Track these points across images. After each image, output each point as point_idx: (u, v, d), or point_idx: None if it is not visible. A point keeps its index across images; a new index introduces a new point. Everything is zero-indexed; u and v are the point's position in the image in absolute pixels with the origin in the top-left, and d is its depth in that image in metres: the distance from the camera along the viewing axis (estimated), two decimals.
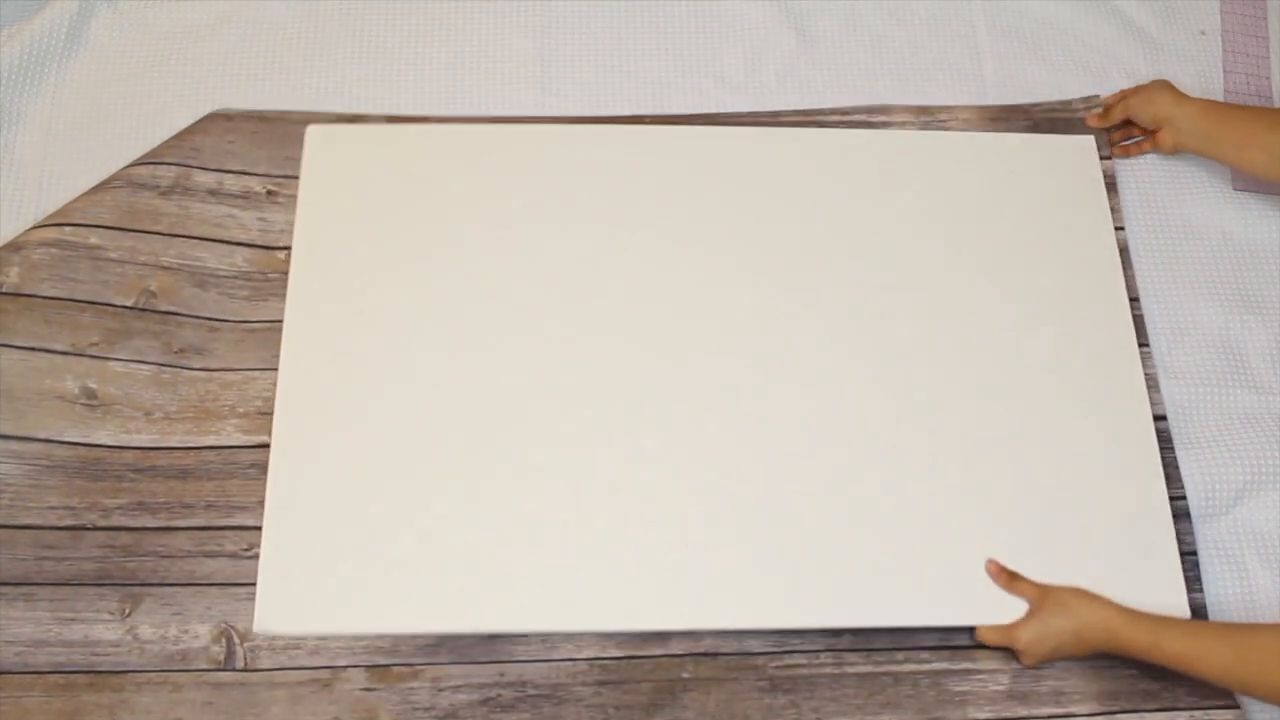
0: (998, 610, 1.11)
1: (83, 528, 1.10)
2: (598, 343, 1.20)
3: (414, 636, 1.09)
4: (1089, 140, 1.34)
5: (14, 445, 1.12)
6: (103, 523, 1.11)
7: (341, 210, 1.25)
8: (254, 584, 1.10)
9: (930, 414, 1.19)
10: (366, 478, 1.13)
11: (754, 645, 1.10)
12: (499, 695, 1.07)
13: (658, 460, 1.16)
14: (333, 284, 1.21)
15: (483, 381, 1.18)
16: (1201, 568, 1.16)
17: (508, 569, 1.11)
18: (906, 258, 1.27)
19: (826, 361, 1.21)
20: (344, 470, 1.13)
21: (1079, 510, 1.16)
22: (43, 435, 1.13)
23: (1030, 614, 1.10)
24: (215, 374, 1.18)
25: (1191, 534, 1.17)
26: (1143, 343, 1.24)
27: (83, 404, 1.15)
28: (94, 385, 1.15)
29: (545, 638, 1.09)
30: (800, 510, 1.14)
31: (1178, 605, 1.12)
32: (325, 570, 1.10)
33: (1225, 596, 1.15)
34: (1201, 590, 1.15)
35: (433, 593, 1.10)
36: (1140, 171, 1.35)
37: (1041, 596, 1.10)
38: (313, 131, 1.29)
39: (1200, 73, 1.41)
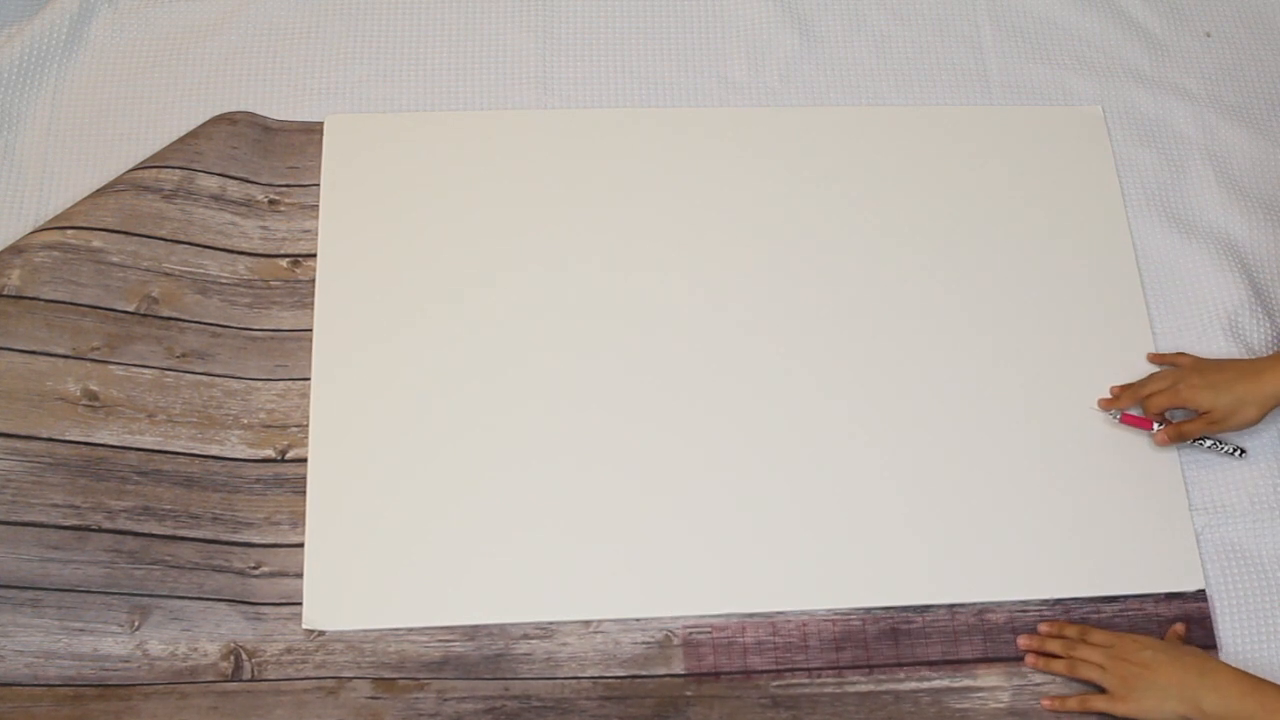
0: (1006, 589, 1.15)
1: (87, 529, 1.11)
2: (622, 334, 1.23)
3: (428, 648, 1.11)
4: (1096, 110, 1.37)
5: (16, 443, 1.12)
6: (108, 525, 1.11)
7: (363, 201, 1.27)
8: (263, 603, 1.11)
9: (939, 398, 1.22)
10: (402, 477, 1.17)
11: (756, 663, 1.11)
12: (504, 706, 1.08)
13: (684, 450, 1.19)
14: (358, 276, 1.24)
15: (511, 376, 1.21)
16: (1206, 568, 1.17)
17: (544, 562, 1.14)
18: (917, 236, 1.29)
19: (835, 344, 1.24)
20: (381, 470, 1.17)
21: (1089, 492, 1.19)
22: (45, 434, 1.13)
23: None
24: (218, 380, 1.18)
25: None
26: None
27: (84, 405, 1.15)
28: (95, 388, 1.16)
29: (550, 655, 1.11)
30: (815, 496, 1.18)
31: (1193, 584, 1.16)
32: (368, 568, 1.14)
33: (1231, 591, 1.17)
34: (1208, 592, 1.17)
35: (473, 586, 1.13)
36: (1142, 172, 1.35)
37: None
38: (331, 121, 1.30)
39: (1205, 75, 1.41)
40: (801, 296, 1.26)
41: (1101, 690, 1.08)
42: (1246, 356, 1.25)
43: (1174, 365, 1.23)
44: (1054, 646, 1.11)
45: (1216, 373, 1.17)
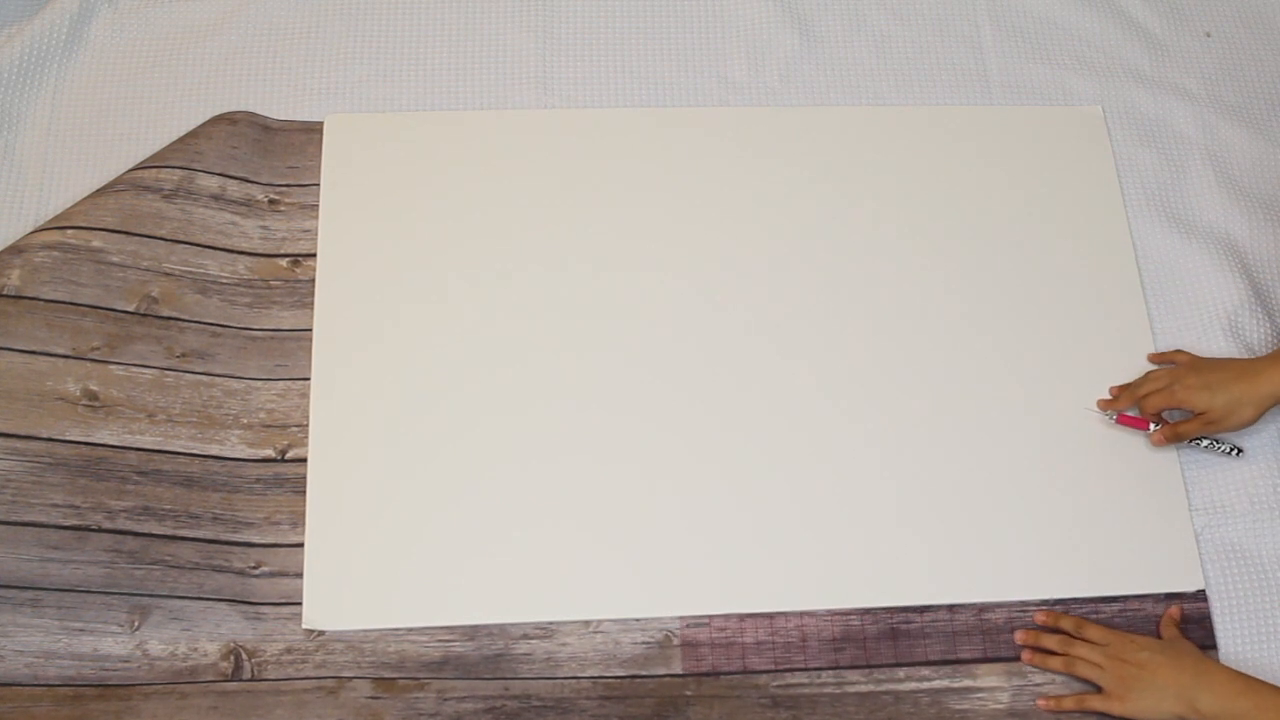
0: (1006, 589, 1.15)
1: (87, 529, 1.11)
2: (622, 334, 1.23)
3: (428, 648, 1.11)
4: (1096, 110, 1.37)
5: (16, 443, 1.12)
6: (108, 525, 1.11)
7: (362, 201, 1.27)
8: (263, 603, 1.11)
9: (939, 398, 1.22)
10: (402, 477, 1.17)
11: (756, 663, 1.11)
12: (504, 705, 1.08)
13: (684, 450, 1.19)
14: (358, 276, 1.24)
15: (511, 375, 1.21)
16: (1205, 568, 1.17)
17: (544, 562, 1.14)
18: (917, 236, 1.29)
19: (835, 345, 1.24)
20: (381, 470, 1.17)
21: (1089, 491, 1.19)
22: (44, 434, 1.13)
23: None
24: (218, 380, 1.18)
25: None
26: None
27: (84, 405, 1.15)
28: (95, 387, 1.16)
29: (550, 655, 1.11)
30: (815, 496, 1.18)
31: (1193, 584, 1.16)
32: (368, 568, 1.14)
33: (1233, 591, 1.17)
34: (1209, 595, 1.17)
35: (473, 586, 1.13)
36: (1142, 172, 1.35)
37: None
38: (331, 121, 1.30)
39: (1205, 75, 1.41)
40: (801, 296, 1.26)
41: (1098, 689, 1.09)
42: (1245, 356, 1.25)
43: (1171, 363, 1.23)
44: (1050, 643, 1.12)
45: (1213, 372, 1.17)
